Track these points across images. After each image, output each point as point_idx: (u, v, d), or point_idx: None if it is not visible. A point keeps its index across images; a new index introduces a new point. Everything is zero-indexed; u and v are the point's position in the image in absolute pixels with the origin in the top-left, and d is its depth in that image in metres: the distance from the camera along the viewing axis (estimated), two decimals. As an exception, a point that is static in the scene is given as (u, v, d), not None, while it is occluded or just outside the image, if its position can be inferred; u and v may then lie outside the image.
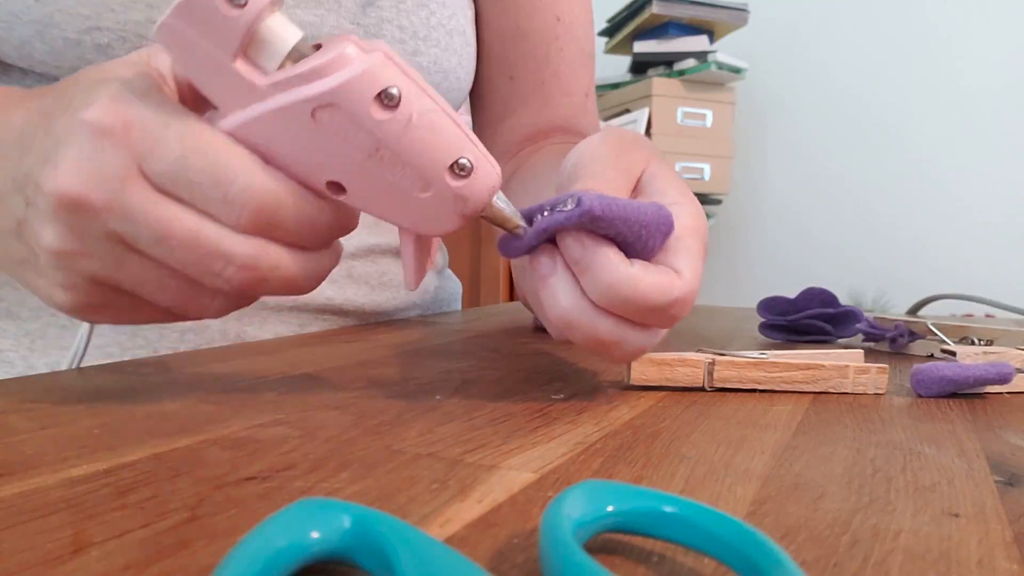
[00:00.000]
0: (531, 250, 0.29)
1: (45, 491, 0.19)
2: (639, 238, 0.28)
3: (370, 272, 0.57)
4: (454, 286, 0.72)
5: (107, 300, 0.28)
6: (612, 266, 0.27)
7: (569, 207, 0.27)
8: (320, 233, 0.28)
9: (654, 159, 0.32)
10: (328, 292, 0.53)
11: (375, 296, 0.57)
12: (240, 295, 0.28)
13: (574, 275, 0.28)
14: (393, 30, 0.52)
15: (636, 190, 0.32)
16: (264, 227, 0.26)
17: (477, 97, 0.65)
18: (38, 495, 0.19)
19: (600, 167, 0.30)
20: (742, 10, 2.01)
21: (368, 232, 0.57)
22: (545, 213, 0.28)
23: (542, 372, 0.37)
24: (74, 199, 0.25)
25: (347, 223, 0.28)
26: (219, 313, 0.29)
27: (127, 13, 0.44)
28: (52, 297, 0.28)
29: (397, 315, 0.60)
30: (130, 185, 0.25)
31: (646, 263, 0.29)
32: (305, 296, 0.51)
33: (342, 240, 0.57)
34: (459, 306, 0.73)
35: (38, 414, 0.27)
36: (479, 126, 0.66)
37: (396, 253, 0.59)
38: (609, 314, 0.28)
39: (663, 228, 0.29)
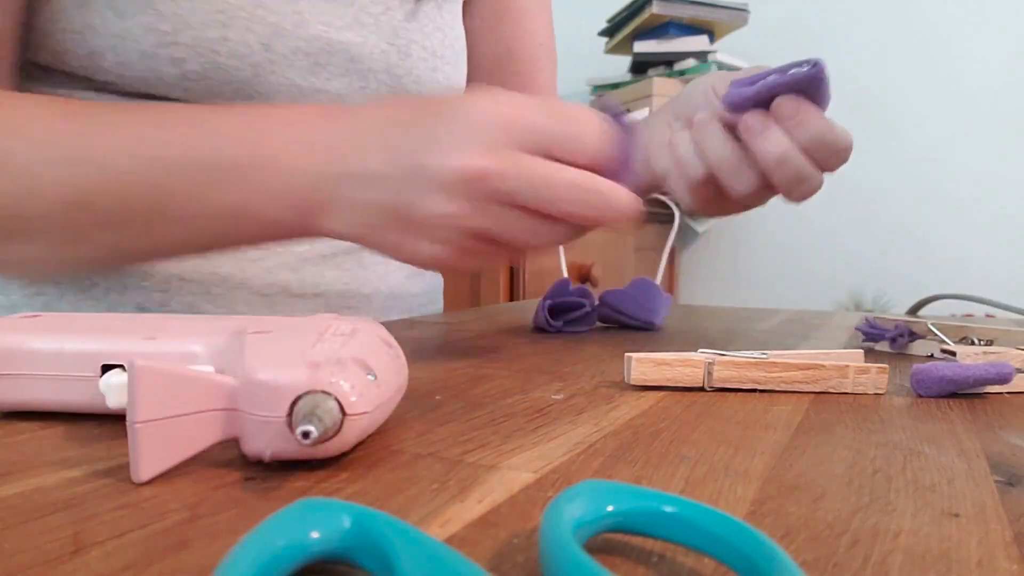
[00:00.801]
0: (744, 107, 0.43)
1: (46, 491, 0.19)
2: (823, 100, 0.42)
3: (376, 258, 0.60)
4: (436, 281, 0.73)
5: (477, 249, 0.37)
6: (818, 117, 0.41)
7: (806, 69, 0.39)
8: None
9: None
10: (346, 279, 0.57)
11: (347, 277, 0.59)
12: (582, 225, 0.37)
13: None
14: (419, 50, 0.58)
15: None
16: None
17: None
18: (39, 495, 0.19)
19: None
20: (742, 10, 2.02)
21: None
22: (775, 76, 0.41)
23: (542, 372, 0.37)
24: (477, 170, 0.34)
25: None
26: (562, 241, 0.37)
27: (204, 31, 0.47)
28: (420, 252, 0.37)
29: (377, 297, 0.61)
30: (517, 154, 0.34)
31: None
32: (324, 283, 0.56)
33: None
34: (440, 304, 0.73)
35: (39, 413, 0.27)
36: None
37: None
38: (807, 156, 0.42)
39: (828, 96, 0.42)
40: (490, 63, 0.70)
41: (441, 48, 0.60)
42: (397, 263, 0.61)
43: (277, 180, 0.37)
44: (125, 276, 0.50)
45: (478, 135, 0.35)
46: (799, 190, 0.43)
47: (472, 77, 0.68)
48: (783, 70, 0.40)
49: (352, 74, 0.54)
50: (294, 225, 0.39)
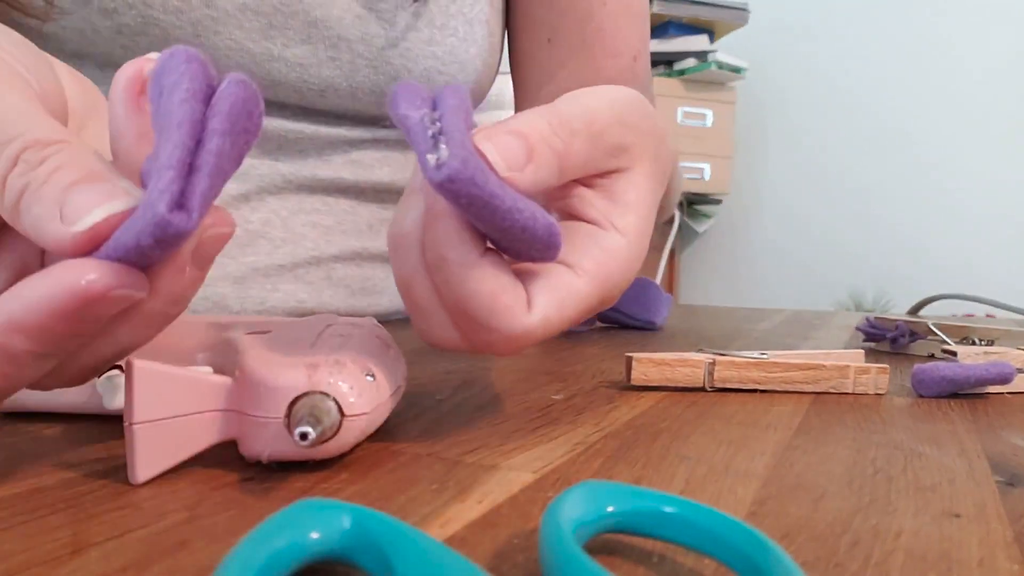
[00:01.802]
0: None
1: (45, 491, 0.19)
2: (509, 246, 0.21)
3: (352, 276, 0.54)
4: None
5: None
6: (459, 239, 0.21)
7: (432, 163, 0.18)
8: None
9: (647, 159, 0.26)
10: (301, 295, 0.51)
11: (353, 301, 0.54)
12: None
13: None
14: (407, 17, 0.50)
15: (589, 180, 0.25)
16: None
17: (517, 67, 0.62)
18: (38, 495, 0.19)
19: (580, 126, 0.23)
20: (742, 9, 2.02)
21: (357, 236, 0.55)
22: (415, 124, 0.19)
23: (542, 372, 0.37)
24: None
25: None
26: None
27: None
28: None
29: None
30: None
31: (504, 270, 0.22)
32: (273, 299, 0.50)
33: (323, 242, 0.52)
34: None
35: (38, 414, 0.27)
36: (520, 98, 0.62)
37: (384, 259, 0.57)
38: (431, 282, 0.22)
39: (548, 251, 0.22)
40: (537, 4, 0.57)
41: (443, 16, 0.52)
42: (372, 283, 0.55)
43: None
44: None
45: None
46: (417, 319, 0.24)
47: (521, 26, 0.58)
48: (420, 137, 0.19)
49: (316, 41, 0.48)
50: None
